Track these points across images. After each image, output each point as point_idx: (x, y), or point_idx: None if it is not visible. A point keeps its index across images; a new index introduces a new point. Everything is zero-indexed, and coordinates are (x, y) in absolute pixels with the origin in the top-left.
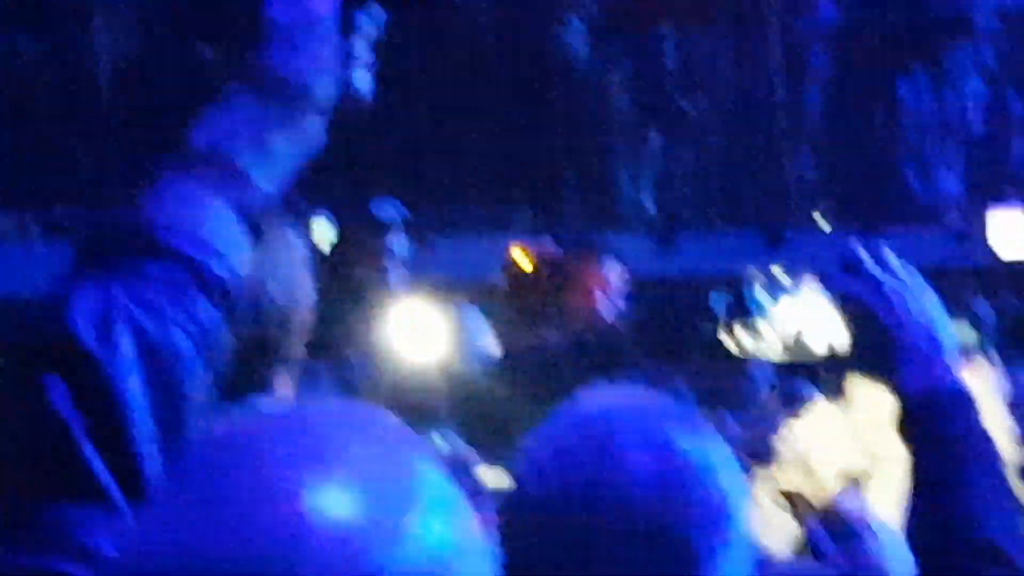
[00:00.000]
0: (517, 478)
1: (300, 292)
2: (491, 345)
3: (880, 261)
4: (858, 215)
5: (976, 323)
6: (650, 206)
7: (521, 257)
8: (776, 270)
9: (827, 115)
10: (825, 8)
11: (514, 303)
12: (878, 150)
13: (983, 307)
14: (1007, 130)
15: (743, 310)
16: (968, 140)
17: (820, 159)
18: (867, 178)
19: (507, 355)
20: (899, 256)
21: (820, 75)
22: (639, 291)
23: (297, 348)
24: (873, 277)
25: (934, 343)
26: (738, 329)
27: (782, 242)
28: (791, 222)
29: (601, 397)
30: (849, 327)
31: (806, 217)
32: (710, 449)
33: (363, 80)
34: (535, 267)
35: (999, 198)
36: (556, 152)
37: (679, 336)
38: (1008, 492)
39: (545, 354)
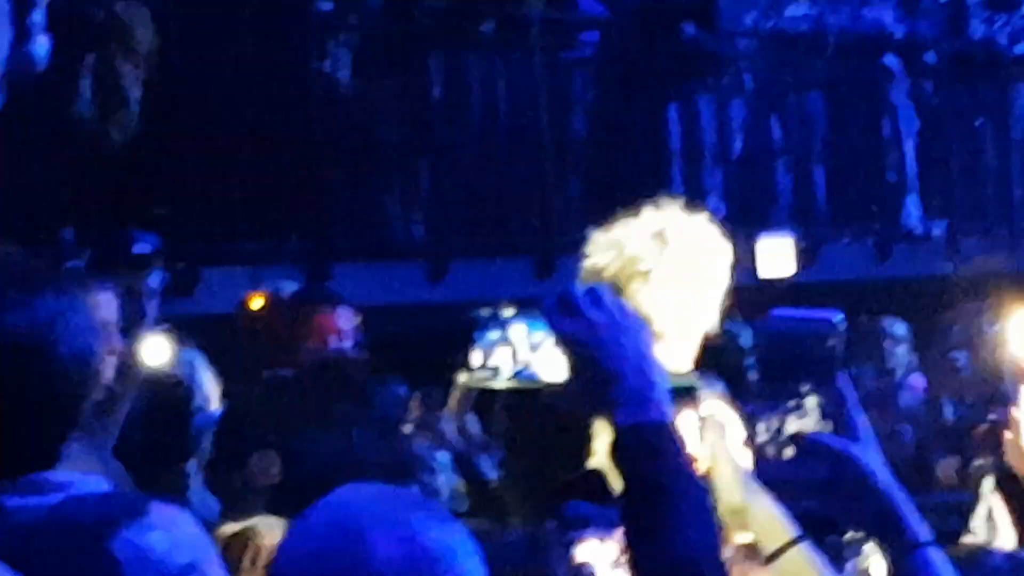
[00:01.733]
0: None
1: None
2: (212, 388)
3: (597, 300)
4: None
5: (735, 346)
6: (420, 234)
7: (256, 300)
8: (507, 308)
9: (593, 142)
10: (590, 36)
11: (248, 343)
12: (642, 176)
13: (742, 328)
14: (769, 155)
15: (481, 340)
16: (731, 164)
17: (587, 186)
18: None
19: (233, 394)
20: None
21: (586, 103)
22: (410, 318)
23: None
24: (588, 317)
25: (645, 381)
26: (473, 358)
27: (552, 269)
28: (560, 249)
29: (350, 496)
30: (569, 362)
31: (575, 244)
32: (454, 536)
33: (41, 46)
34: (268, 310)
35: (765, 223)
36: (324, 183)
37: (449, 362)
38: (711, 527)
39: (275, 389)
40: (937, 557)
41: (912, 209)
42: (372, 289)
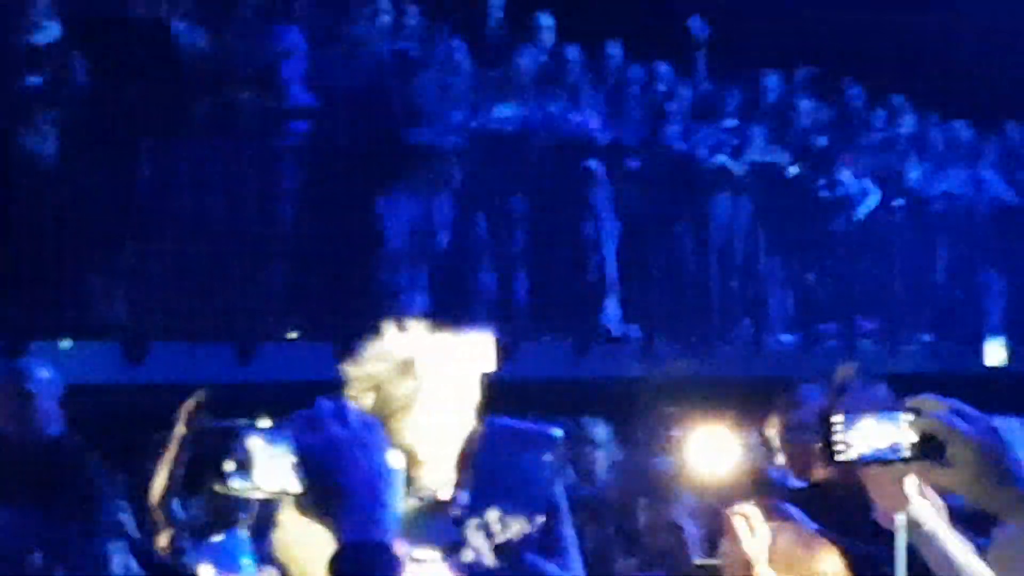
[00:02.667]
0: None
1: None
2: None
3: (342, 415)
4: (332, 330)
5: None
6: (121, 315)
7: None
8: (262, 420)
9: (299, 231)
10: (299, 125)
11: None
12: (349, 267)
13: None
14: (473, 253)
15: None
16: (434, 260)
17: (291, 275)
18: (341, 292)
19: None
20: None
21: (294, 192)
22: (108, 399)
23: None
24: (329, 431)
25: (375, 500)
26: (226, 465)
27: (253, 356)
28: (263, 336)
29: None
30: (306, 475)
31: (277, 330)
32: None
33: None
34: None
35: (466, 320)
36: (24, 259)
37: (141, 444)
38: None
39: None
40: None
41: (611, 311)
42: (70, 368)
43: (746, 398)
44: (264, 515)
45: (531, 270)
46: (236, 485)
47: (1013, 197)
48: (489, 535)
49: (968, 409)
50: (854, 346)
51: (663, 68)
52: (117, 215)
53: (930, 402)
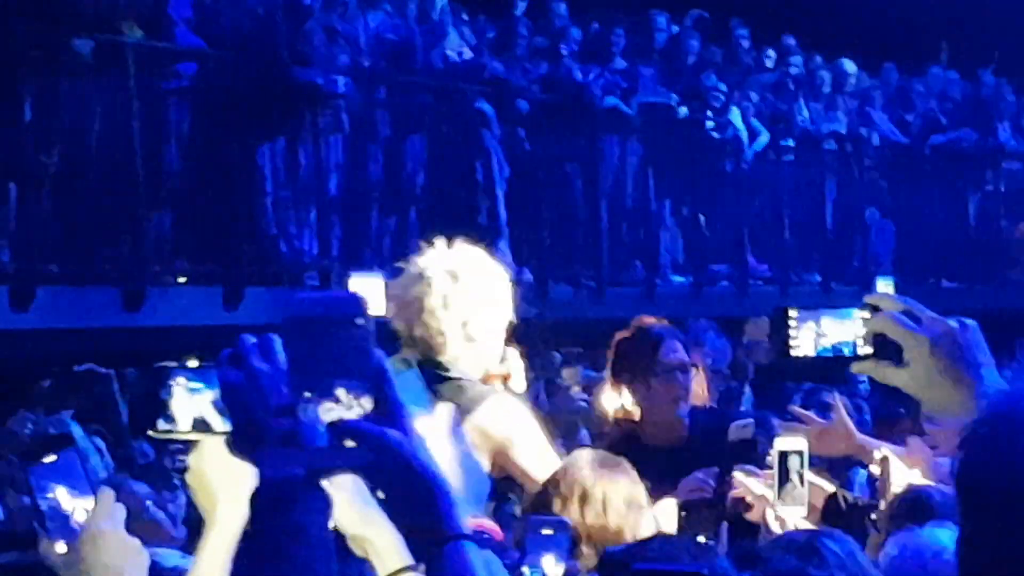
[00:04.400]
0: None
1: None
2: None
3: (267, 350)
4: (221, 274)
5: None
6: (6, 260)
7: None
8: (191, 359)
9: (186, 174)
10: (188, 67)
11: None
12: (242, 209)
13: None
14: (364, 196)
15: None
16: (325, 203)
17: (179, 218)
18: (229, 236)
19: None
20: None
21: (181, 134)
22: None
23: None
24: (252, 366)
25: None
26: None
27: (142, 301)
28: (151, 280)
29: None
30: (229, 411)
31: (165, 275)
32: None
33: None
34: None
35: (357, 263)
36: None
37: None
38: None
39: None
40: (472, 552)
41: (503, 253)
42: None
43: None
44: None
45: (421, 213)
46: (164, 427)
47: (901, 138)
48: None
49: (924, 310)
50: (745, 287)
51: (554, 9)
52: (1, 157)
53: (886, 300)
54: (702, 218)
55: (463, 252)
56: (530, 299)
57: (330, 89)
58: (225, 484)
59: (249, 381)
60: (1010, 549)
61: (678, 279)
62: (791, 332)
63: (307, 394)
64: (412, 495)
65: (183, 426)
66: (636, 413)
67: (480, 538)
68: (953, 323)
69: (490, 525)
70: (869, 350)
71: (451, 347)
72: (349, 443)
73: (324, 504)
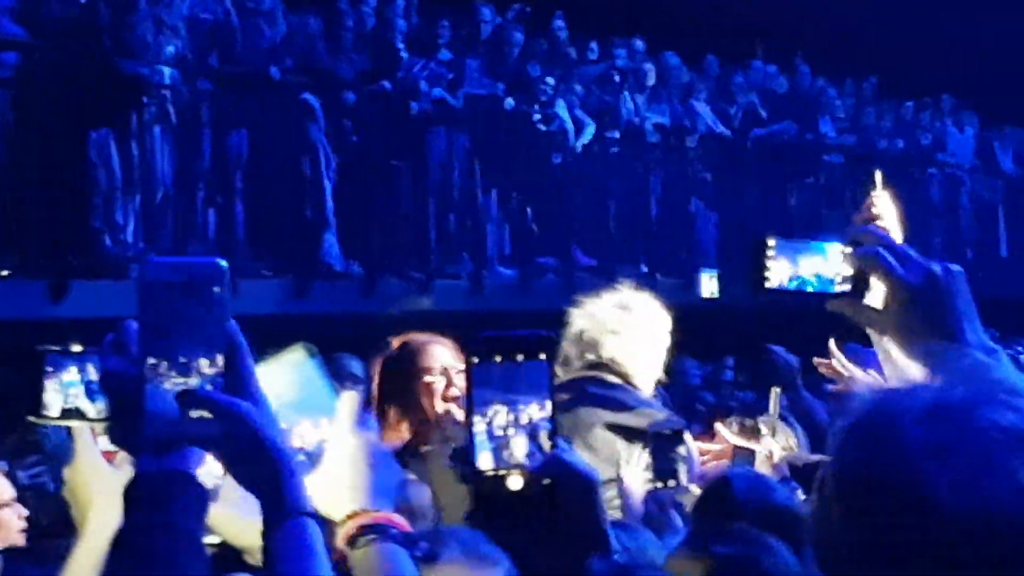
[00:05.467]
0: None
1: None
2: None
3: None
4: (45, 267)
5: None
6: None
7: None
8: (74, 345)
9: (11, 165)
10: (9, 57)
11: None
12: (67, 201)
13: None
14: (191, 189)
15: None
16: (152, 196)
17: (2, 210)
18: (54, 229)
19: None
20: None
21: (7, 126)
22: None
23: None
24: (133, 352)
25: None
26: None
27: None
28: None
29: None
30: (104, 397)
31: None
32: None
33: None
34: None
35: (186, 255)
36: None
37: None
38: None
39: None
40: (312, 530)
41: (330, 247)
42: None
43: (467, 333)
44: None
45: (249, 206)
46: (44, 414)
47: (724, 130)
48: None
49: (909, 251)
50: (572, 279)
51: (377, 1)
52: None
53: (870, 236)
54: (529, 210)
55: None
56: (359, 293)
57: (155, 80)
58: (100, 485)
59: (130, 367)
60: (872, 549)
61: (505, 271)
62: (768, 263)
63: (154, 360)
64: (257, 468)
65: (54, 412)
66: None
67: (383, 529)
68: (937, 268)
69: (398, 518)
70: (847, 287)
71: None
72: (198, 413)
73: (201, 502)
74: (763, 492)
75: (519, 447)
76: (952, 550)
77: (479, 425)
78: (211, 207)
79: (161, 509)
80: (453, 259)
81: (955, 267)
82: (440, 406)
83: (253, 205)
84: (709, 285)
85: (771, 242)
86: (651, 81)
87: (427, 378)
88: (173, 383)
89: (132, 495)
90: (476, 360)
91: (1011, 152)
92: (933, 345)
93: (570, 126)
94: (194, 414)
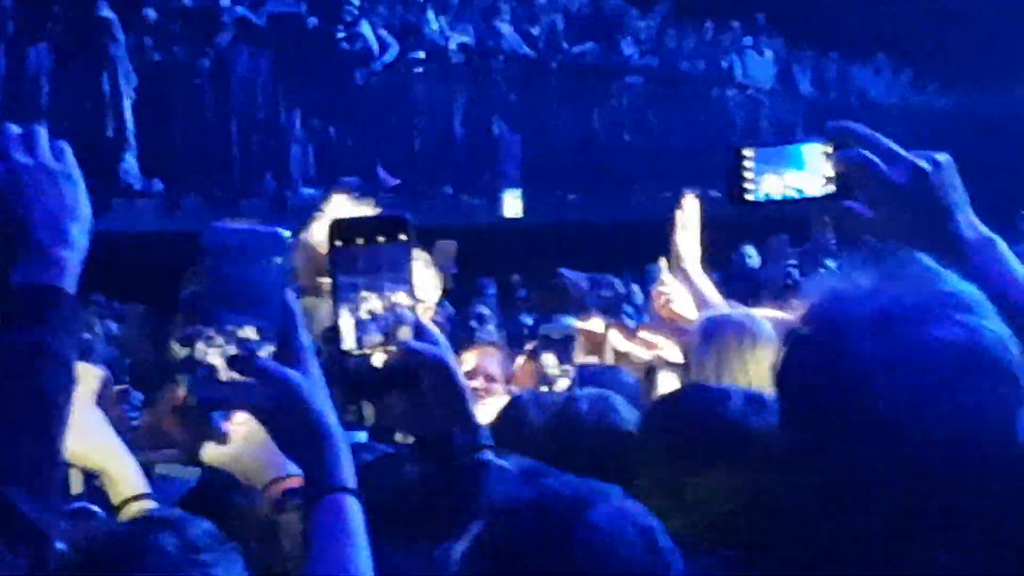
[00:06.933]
0: None
1: None
2: None
3: (31, 144)
4: None
5: None
6: None
7: None
8: None
9: None
10: None
11: None
12: None
13: None
14: None
15: None
16: None
17: None
18: None
19: None
20: None
21: None
22: None
23: None
24: (14, 159)
25: (58, 237)
26: None
27: None
28: None
29: None
30: None
31: None
32: None
33: None
34: None
35: None
36: None
37: None
38: (43, 426)
39: None
40: (354, 508)
41: (130, 165)
42: None
43: None
44: None
45: (48, 124)
46: None
47: (528, 51)
48: (224, 348)
49: (894, 148)
50: (377, 199)
51: None
52: None
53: (852, 135)
54: (332, 130)
55: None
56: (160, 211)
57: None
58: None
59: (10, 176)
60: (824, 450)
61: (309, 191)
62: (746, 175)
63: (209, 324)
64: (301, 440)
65: None
66: None
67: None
68: (925, 163)
69: None
70: (832, 189)
71: None
72: (248, 379)
73: (73, 319)
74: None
75: (382, 329)
76: (894, 465)
77: (343, 307)
78: (8, 123)
79: (32, 330)
80: (257, 178)
81: (943, 157)
82: None
83: (52, 122)
84: (513, 205)
85: (748, 152)
86: (455, 1)
87: None
88: (226, 348)
89: (6, 308)
90: (339, 244)
91: (809, 74)
92: (885, 248)
93: (374, 45)
94: (244, 380)
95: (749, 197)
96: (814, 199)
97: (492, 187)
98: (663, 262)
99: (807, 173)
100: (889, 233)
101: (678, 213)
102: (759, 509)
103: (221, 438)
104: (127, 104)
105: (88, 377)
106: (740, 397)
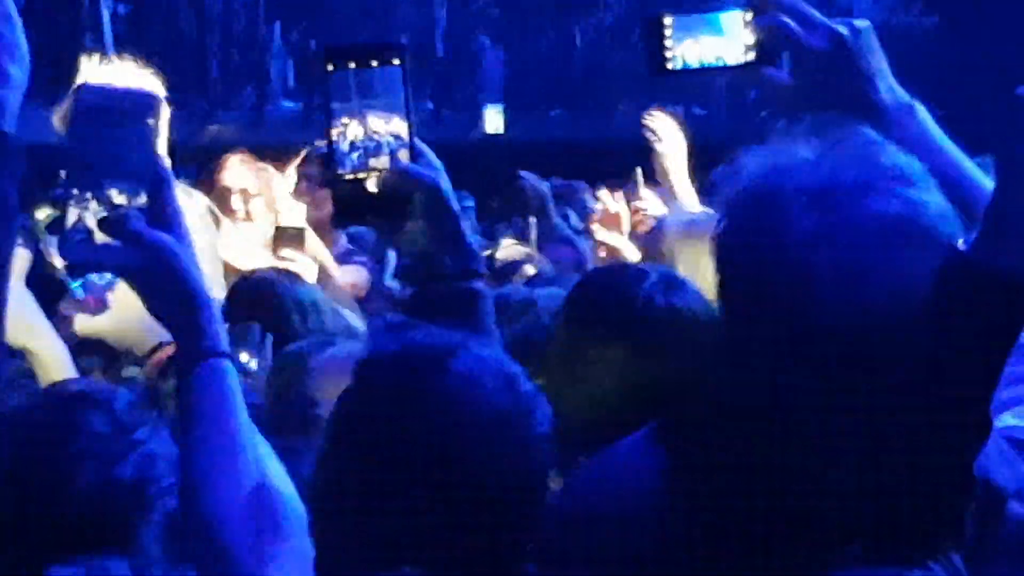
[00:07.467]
0: None
1: None
2: None
3: None
4: None
5: None
6: None
7: None
8: None
9: None
10: None
11: None
12: None
13: None
14: None
15: None
16: None
17: None
18: None
19: None
20: None
21: None
22: None
23: None
24: None
25: None
26: None
27: None
28: None
29: None
30: None
31: None
32: None
33: None
34: None
35: None
36: None
37: None
38: None
39: None
40: (231, 373)
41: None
42: None
43: None
44: None
45: (28, 35)
46: None
47: None
48: (96, 210)
49: (812, 15)
50: None
51: None
52: None
53: (771, 2)
54: (312, 43)
55: None
56: None
57: None
58: None
59: None
60: (758, 322)
61: (288, 104)
62: (666, 43)
63: (77, 185)
64: (175, 304)
65: None
66: None
67: None
68: (843, 29)
69: None
70: (751, 57)
71: None
72: (117, 241)
73: (15, 159)
74: None
75: (376, 152)
76: (828, 340)
77: (338, 132)
78: None
79: None
80: (236, 91)
81: (862, 23)
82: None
83: (32, 35)
84: (495, 120)
85: (667, 20)
86: None
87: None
88: (96, 209)
89: None
90: (331, 68)
91: None
92: (825, 118)
93: None
94: (115, 242)
95: (669, 66)
96: (734, 67)
97: (473, 102)
98: (639, 173)
99: (727, 39)
100: (809, 100)
101: (647, 132)
102: (658, 387)
103: (98, 308)
104: (106, 16)
105: (18, 259)
106: (657, 275)
